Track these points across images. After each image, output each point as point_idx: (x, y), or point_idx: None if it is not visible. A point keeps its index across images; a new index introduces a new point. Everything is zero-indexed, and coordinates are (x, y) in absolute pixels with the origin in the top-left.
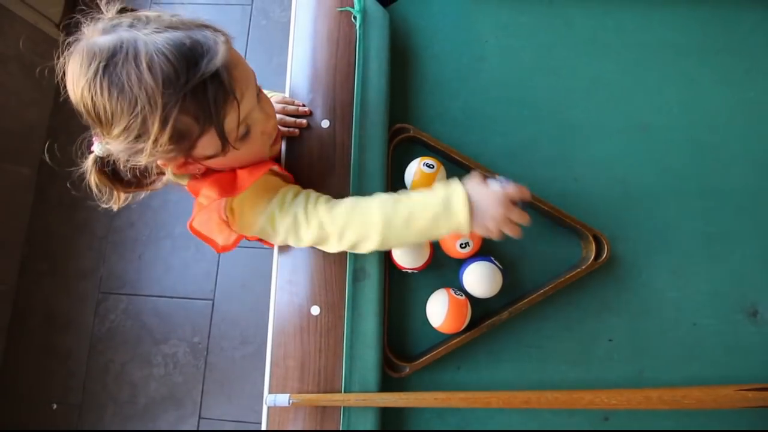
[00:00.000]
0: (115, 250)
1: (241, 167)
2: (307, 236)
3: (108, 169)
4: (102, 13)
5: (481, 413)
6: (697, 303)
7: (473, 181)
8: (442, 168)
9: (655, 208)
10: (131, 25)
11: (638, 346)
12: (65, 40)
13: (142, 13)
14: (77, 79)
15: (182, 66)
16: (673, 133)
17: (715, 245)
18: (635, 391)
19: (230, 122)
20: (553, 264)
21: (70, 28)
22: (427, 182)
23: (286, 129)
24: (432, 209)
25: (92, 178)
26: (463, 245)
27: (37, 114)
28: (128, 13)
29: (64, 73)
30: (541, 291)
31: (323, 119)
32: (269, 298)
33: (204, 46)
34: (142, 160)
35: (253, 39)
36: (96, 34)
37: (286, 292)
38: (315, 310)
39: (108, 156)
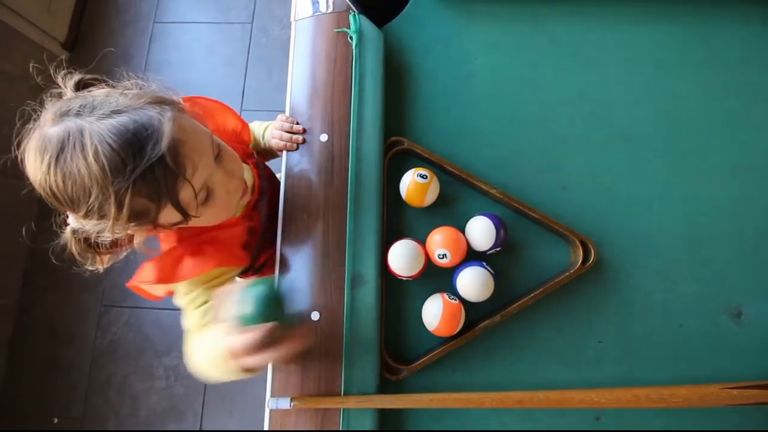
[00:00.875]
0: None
1: (212, 233)
2: (188, 323)
3: (85, 239)
4: (61, 87)
5: (476, 414)
6: (683, 305)
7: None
8: (435, 178)
9: (640, 214)
10: (78, 114)
11: (627, 347)
12: (18, 128)
13: (90, 95)
14: (34, 170)
15: (128, 154)
16: (656, 143)
17: (699, 249)
18: (624, 390)
19: (186, 195)
20: (543, 269)
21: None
22: (420, 192)
23: (283, 144)
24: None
25: (73, 248)
26: (441, 256)
27: None
28: (78, 96)
29: (22, 161)
30: (532, 295)
31: (322, 133)
32: None
33: (148, 130)
34: (109, 236)
35: (254, 57)
36: (47, 124)
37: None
38: (315, 316)
39: (79, 228)
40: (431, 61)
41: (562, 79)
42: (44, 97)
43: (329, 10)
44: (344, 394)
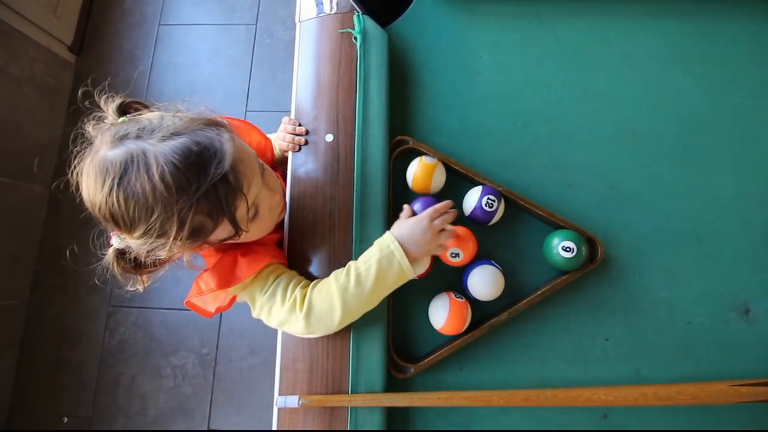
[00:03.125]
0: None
1: (250, 243)
2: (277, 316)
3: (129, 259)
4: (103, 110)
5: (483, 412)
6: (690, 302)
7: (398, 220)
8: (441, 164)
9: (647, 211)
10: (138, 136)
11: (634, 345)
12: (72, 150)
13: (145, 118)
14: (93, 193)
15: (193, 174)
16: (662, 140)
17: (706, 246)
18: (632, 388)
19: (241, 211)
20: (550, 266)
21: (75, 129)
22: (427, 174)
23: (285, 144)
24: (373, 258)
25: (116, 269)
26: (454, 255)
27: (49, 133)
28: (131, 118)
29: (77, 184)
30: (539, 292)
31: (327, 133)
32: None
33: (211, 150)
34: (163, 254)
35: (258, 57)
36: (105, 147)
37: None
38: None
39: (127, 249)
40: (436, 60)
41: (566, 76)
42: (84, 121)
43: (333, 11)
44: (352, 393)
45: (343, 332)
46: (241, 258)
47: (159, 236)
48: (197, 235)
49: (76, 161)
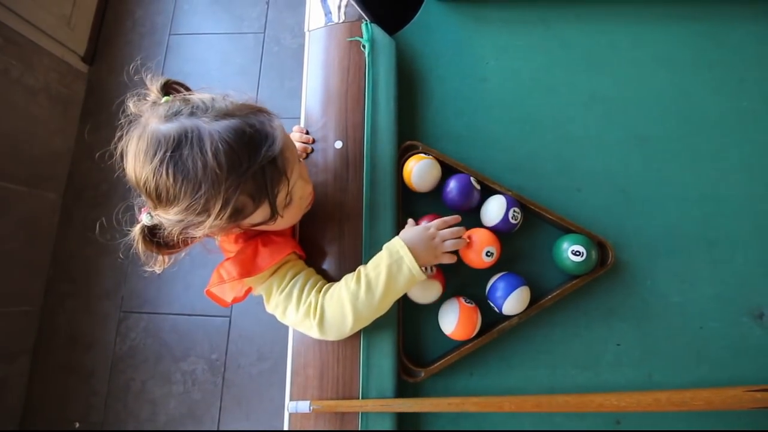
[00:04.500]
0: (135, 269)
1: (270, 234)
2: (292, 316)
3: (155, 236)
4: (148, 89)
5: (494, 418)
6: (703, 307)
7: (405, 228)
8: (431, 157)
9: (657, 215)
10: (192, 113)
11: (646, 350)
12: (120, 122)
13: (196, 97)
14: (141, 163)
15: (244, 153)
16: (671, 143)
17: (717, 250)
18: (644, 394)
19: (281, 196)
20: (560, 271)
21: (121, 108)
22: (417, 167)
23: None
24: (383, 264)
25: (139, 246)
26: (488, 254)
27: (63, 142)
28: (181, 97)
29: (122, 153)
30: (549, 297)
31: (336, 140)
32: None
33: (262, 133)
34: (198, 234)
35: (266, 65)
36: (157, 121)
37: None
38: None
39: (157, 226)
40: (443, 66)
41: (574, 81)
42: (127, 97)
43: (342, 20)
44: (363, 398)
45: (354, 338)
46: (262, 248)
47: (200, 213)
48: (236, 216)
49: (120, 134)
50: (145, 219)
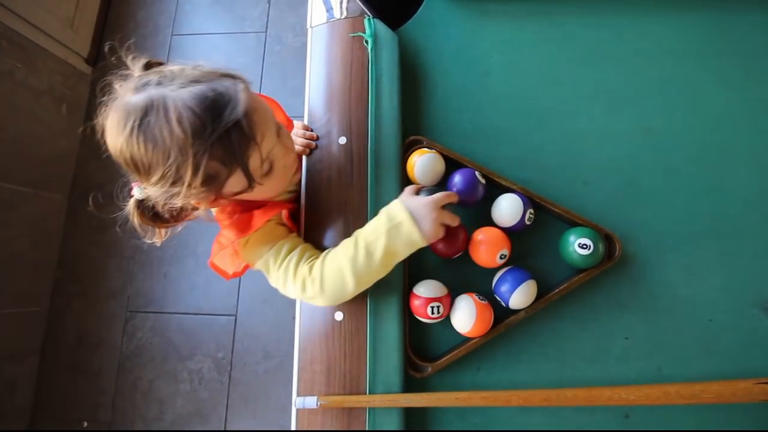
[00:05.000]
0: (141, 269)
1: (264, 202)
2: (292, 290)
3: (148, 210)
4: (129, 68)
5: (502, 412)
6: (712, 299)
7: (405, 194)
8: (434, 152)
9: (664, 207)
10: (159, 83)
11: (655, 344)
12: (99, 100)
13: (167, 69)
14: (116, 135)
15: (208, 118)
16: (677, 135)
17: (726, 242)
18: (653, 387)
19: (254, 162)
20: (567, 264)
21: (103, 87)
22: (422, 160)
23: (298, 147)
24: (382, 228)
25: (135, 220)
26: (502, 257)
27: (68, 143)
28: (154, 70)
29: (103, 130)
30: (557, 290)
31: (340, 136)
32: (290, 312)
33: (225, 97)
34: (178, 202)
35: (268, 64)
36: (128, 93)
37: None
38: (339, 316)
39: (147, 199)
40: (447, 61)
41: (578, 73)
42: (111, 79)
43: (344, 16)
44: (370, 393)
45: (360, 333)
46: (256, 212)
47: (174, 182)
48: (211, 183)
49: (100, 110)
50: (136, 192)
